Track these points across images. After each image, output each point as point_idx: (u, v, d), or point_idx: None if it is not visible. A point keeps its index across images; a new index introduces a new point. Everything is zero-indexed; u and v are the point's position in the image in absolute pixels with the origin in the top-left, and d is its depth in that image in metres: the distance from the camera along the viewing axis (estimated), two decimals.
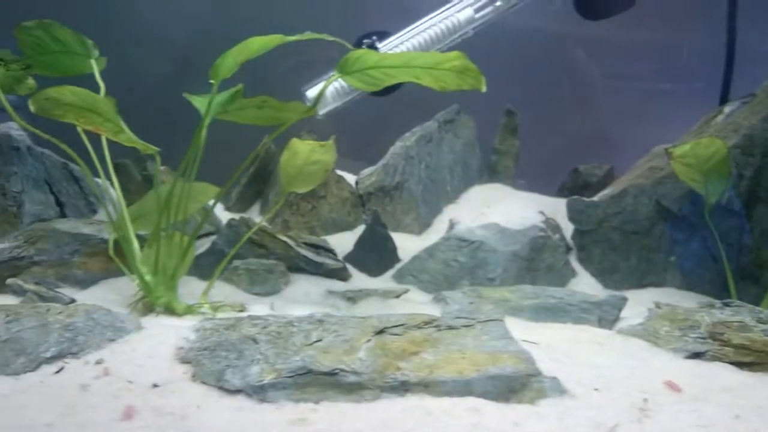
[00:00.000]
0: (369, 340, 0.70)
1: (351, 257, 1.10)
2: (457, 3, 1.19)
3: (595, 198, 1.14)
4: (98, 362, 0.73)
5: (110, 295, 0.98)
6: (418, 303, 1.00)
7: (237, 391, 0.66)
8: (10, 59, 0.89)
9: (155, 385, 0.68)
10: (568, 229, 1.17)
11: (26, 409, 0.63)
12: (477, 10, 1.19)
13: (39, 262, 0.96)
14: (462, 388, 0.66)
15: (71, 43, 0.96)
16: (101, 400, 0.65)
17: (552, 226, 1.14)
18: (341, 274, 1.07)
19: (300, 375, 0.66)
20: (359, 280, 1.09)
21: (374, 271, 1.09)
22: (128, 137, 0.85)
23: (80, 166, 0.91)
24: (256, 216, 1.26)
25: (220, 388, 0.67)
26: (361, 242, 1.11)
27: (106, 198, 0.95)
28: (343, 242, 1.15)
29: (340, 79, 1.23)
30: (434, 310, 0.95)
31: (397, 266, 1.10)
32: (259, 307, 0.96)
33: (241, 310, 0.94)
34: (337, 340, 0.70)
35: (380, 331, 0.71)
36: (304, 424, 0.62)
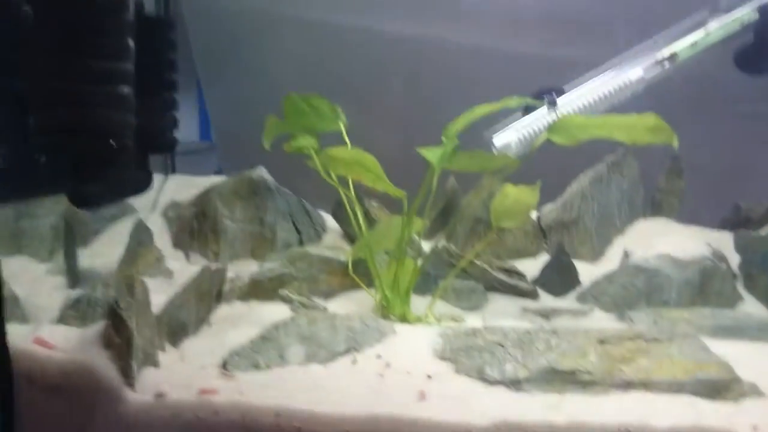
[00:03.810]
0: (595, 348, 0.89)
1: (538, 280, 1.30)
2: (628, 63, 1.37)
3: (762, 233, 1.27)
4: (378, 357, 0.96)
5: (351, 306, 1.22)
6: (604, 321, 1.17)
7: (497, 383, 0.87)
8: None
9: (429, 376, 0.90)
10: (732, 259, 1.31)
11: (347, 389, 0.87)
12: (646, 71, 1.36)
13: (297, 278, 1.23)
14: (676, 388, 0.84)
15: (324, 110, 1.22)
16: (396, 385, 0.88)
17: (719, 256, 1.29)
18: (532, 295, 1.26)
19: (547, 372, 0.86)
20: (546, 299, 1.28)
21: (558, 292, 1.28)
22: (383, 184, 1.10)
23: (347, 204, 1.18)
24: (442, 243, 1.48)
25: (483, 379, 0.88)
26: (547, 268, 1.30)
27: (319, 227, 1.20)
28: (526, 267, 1.35)
29: (524, 129, 1.45)
30: (621, 327, 1.13)
31: (578, 289, 1.28)
32: (473, 320, 1.17)
33: (460, 321, 1.15)
34: (570, 346, 0.89)
35: (602, 341, 0.91)
36: (556, 408, 0.82)
